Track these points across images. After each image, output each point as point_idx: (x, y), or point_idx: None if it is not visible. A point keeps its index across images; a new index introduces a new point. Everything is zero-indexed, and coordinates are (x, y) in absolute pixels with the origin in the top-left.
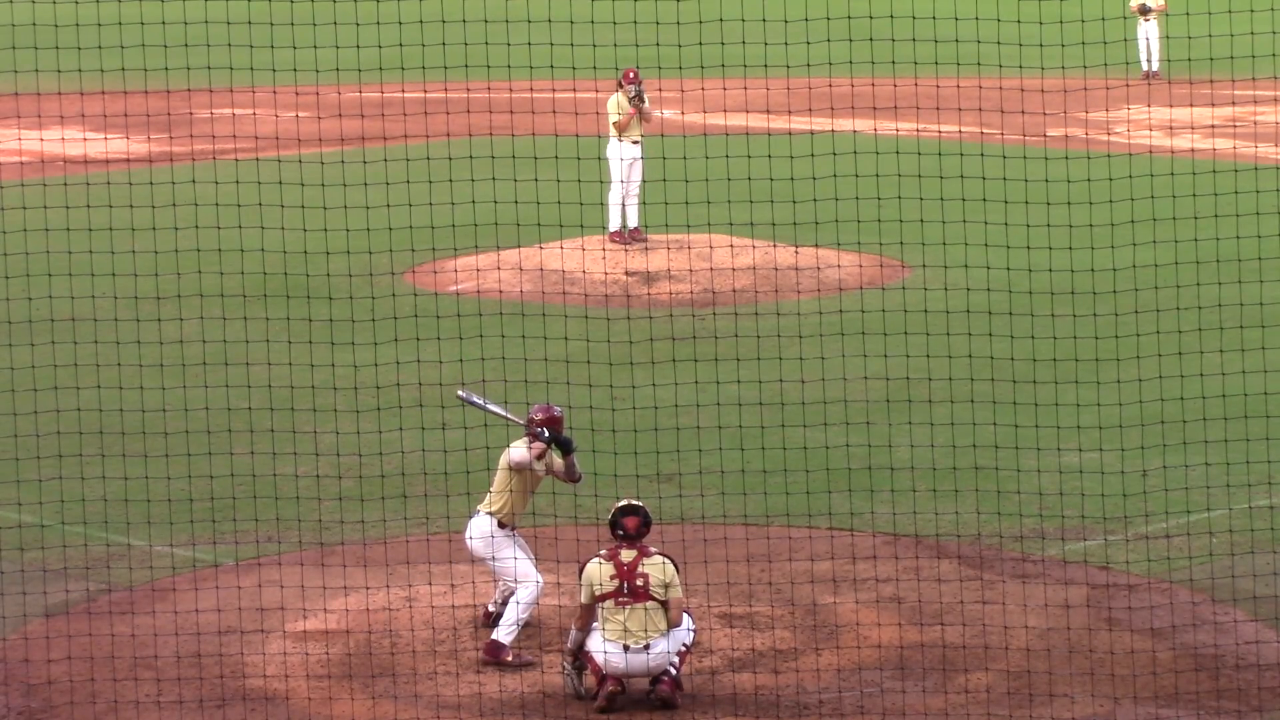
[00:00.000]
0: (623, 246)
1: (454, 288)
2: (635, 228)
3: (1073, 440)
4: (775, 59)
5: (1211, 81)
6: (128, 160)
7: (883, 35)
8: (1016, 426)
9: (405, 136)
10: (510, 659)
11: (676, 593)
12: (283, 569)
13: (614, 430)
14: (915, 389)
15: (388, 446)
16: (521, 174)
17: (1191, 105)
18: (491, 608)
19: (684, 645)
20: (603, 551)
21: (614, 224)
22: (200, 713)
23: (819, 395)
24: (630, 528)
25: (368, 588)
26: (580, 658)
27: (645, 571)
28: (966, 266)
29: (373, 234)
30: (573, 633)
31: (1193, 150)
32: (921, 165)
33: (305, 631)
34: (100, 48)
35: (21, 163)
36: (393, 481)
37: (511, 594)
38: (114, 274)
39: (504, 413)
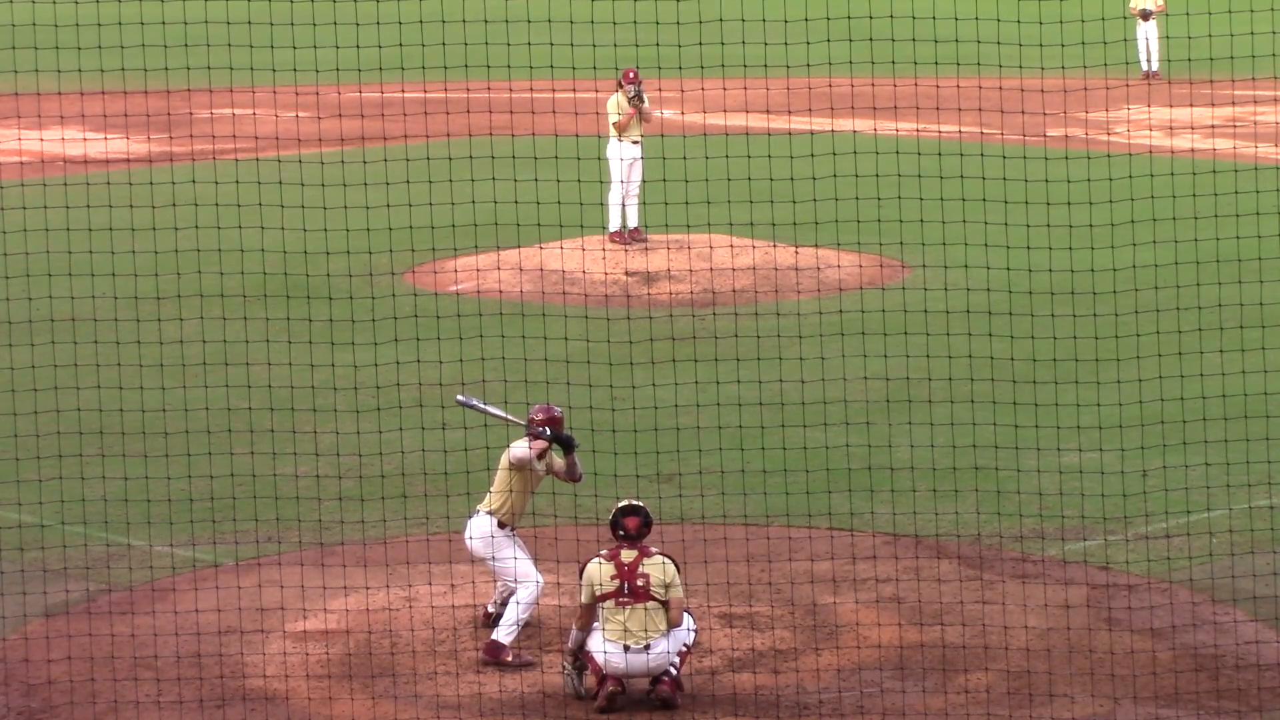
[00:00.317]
0: (623, 246)
1: (454, 288)
2: (635, 228)
3: (1073, 440)
4: (775, 59)
5: (1211, 81)
6: (128, 160)
7: (883, 35)
8: (1016, 426)
9: (405, 136)
10: (510, 659)
11: (677, 593)
12: (283, 569)
13: (614, 430)
14: (915, 389)
15: (388, 446)
16: (521, 174)
17: (1191, 105)
18: (491, 608)
19: (684, 645)
20: (603, 552)
21: (614, 224)
22: (200, 713)
23: (819, 395)
24: (631, 528)
25: (368, 588)
26: (580, 658)
27: (646, 572)
28: (966, 266)
29: (373, 234)
30: (573, 632)
31: (1193, 150)
32: (921, 165)
33: (305, 631)
34: (100, 48)
35: (21, 163)
36: (393, 481)
37: (511, 594)
38: (114, 274)
39: (504, 415)
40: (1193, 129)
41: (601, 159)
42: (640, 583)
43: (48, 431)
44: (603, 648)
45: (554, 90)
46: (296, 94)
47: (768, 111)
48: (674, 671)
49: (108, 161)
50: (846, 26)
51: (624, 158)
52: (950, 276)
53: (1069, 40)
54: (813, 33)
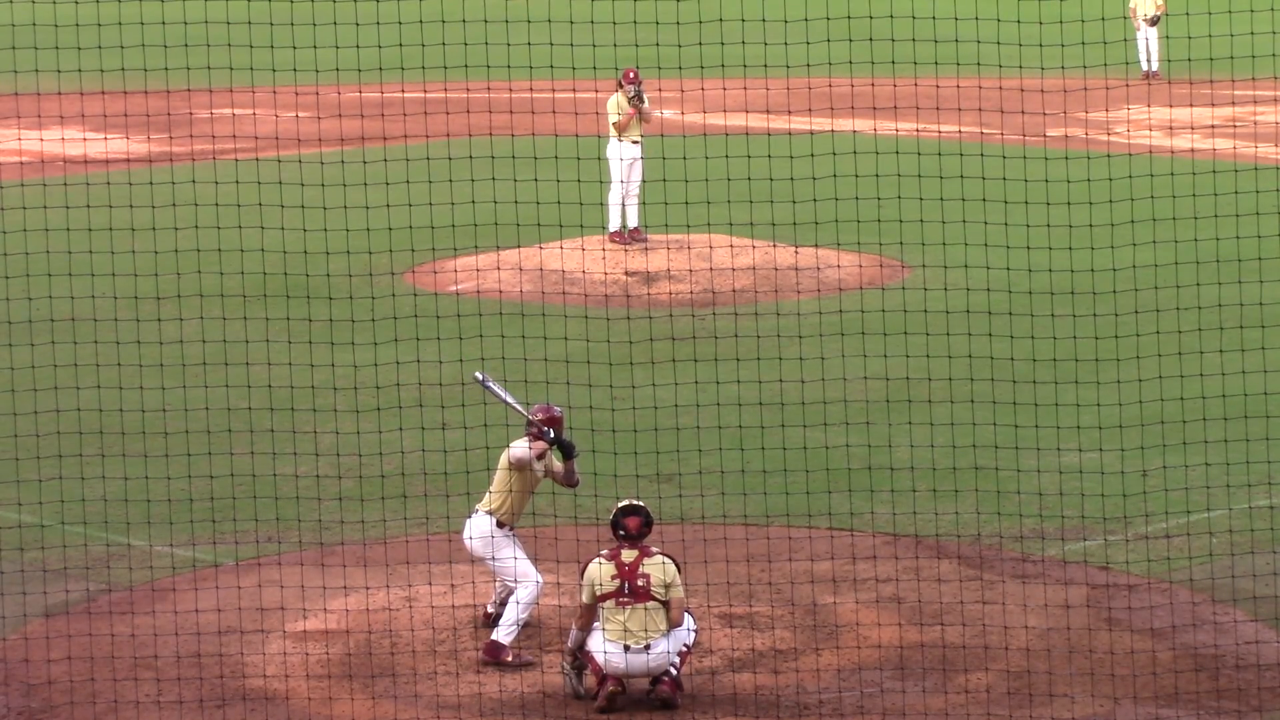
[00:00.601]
0: (623, 246)
1: (454, 288)
2: (635, 228)
3: (1073, 440)
4: (775, 59)
5: (1211, 81)
6: (128, 160)
7: (883, 35)
8: (1016, 426)
9: (405, 136)
10: (510, 659)
11: (678, 593)
12: (283, 569)
13: (614, 430)
14: (915, 389)
15: (388, 446)
16: (521, 174)
17: (1191, 105)
18: (491, 608)
19: (685, 646)
20: (604, 552)
21: (614, 224)
22: (200, 713)
23: (819, 395)
24: (632, 528)
25: (368, 588)
26: (580, 657)
27: (647, 572)
28: (966, 266)
29: (373, 234)
30: (573, 632)
31: (1193, 150)
32: (921, 165)
33: (305, 631)
34: (100, 48)
35: (21, 163)
36: (393, 481)
37: (510, 594)
38: (114, 274)
39: (514, 403)
40: (1193, 129)
41: (601, 159)
42: (641, 583)
43: (48, 431)
44: (603, 648)
45: (554, 90)
46: (296, 94)
47: (768, 111)
48: (674, 671)
49: (108, 161)
50: (846, 26)
51: (624, 158)
52: (950, 276)
53: (1069, 40)
54: (813, 33)
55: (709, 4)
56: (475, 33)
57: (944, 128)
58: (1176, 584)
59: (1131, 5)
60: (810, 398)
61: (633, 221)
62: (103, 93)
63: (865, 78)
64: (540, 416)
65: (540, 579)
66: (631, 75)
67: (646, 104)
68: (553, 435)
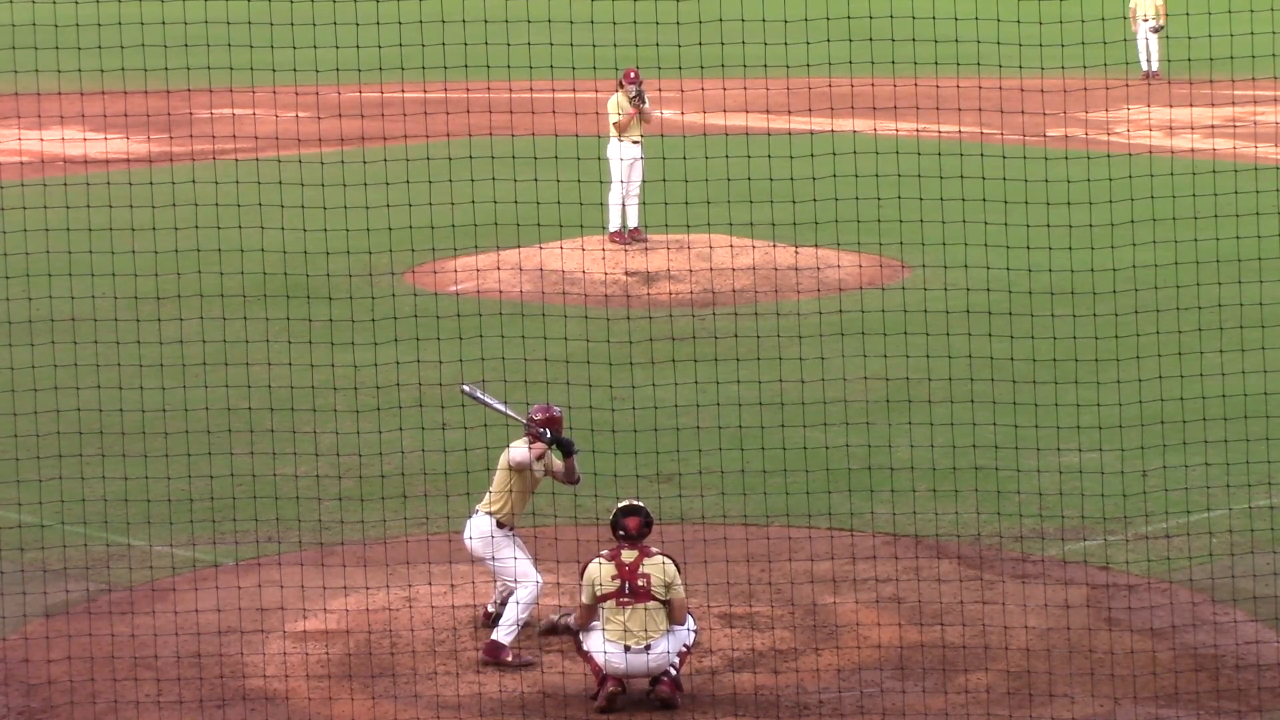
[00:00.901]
0: (623, 246)
1: (454, 288)
2: (635, 228)
3: (1073, 440)
4: (775, 59)
5: (1211, 81)
6: (128, 160)
7: (883, 35)
8: (1016, 426)
9: (405, 136)
10: (510, 659)
11: (678, 593)
12: (283, 569)
13: (614, 430)
14: (915, 389)
15: (388, 446)
16: (521, 174)
17: (1191, 105)
18: (491, 608)
19: (685, 646)
20: (604, 552)
21: (614, 224)
22: (200, 713)
23: (819, 395)
24: (632, 528)
25: (368, 588)
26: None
27: (647, 572)
28: (966, 266)
29: (373, 234)
30: (572, 619)
31: (1193, 150)
32: (921, 165)
33: (305, 631)
34: (100, 48)
35: (21, 163)
36: (393, 481)
37: (510, 594)
38: (114, 274)
39: (506, 410)
40: (1193, 129)
41: (601, 159)
42: (641, 583)
43: (48, 431)
44: (603, 648)
45: (554, 90)
46: (296, 94)
47: (768, 111)
48: (674, 672)
49: (108, 161)
50: (846, 26)
51: (624, 158)
52: (950, 276)
53: (1069, 40)
54: (813, 33)
55: (709, 4)
56: (475, 33)
57: (944, 128)
58: (1176, 584)
59: (1131, 6)
60: (810, 398)
61: (633, 221)
62: (103, 93)
63: (865, 78)
64: (539, 417)
65: (540, 579)
66: (632, 75)
67: (647, 104)
68: (550, 435)
